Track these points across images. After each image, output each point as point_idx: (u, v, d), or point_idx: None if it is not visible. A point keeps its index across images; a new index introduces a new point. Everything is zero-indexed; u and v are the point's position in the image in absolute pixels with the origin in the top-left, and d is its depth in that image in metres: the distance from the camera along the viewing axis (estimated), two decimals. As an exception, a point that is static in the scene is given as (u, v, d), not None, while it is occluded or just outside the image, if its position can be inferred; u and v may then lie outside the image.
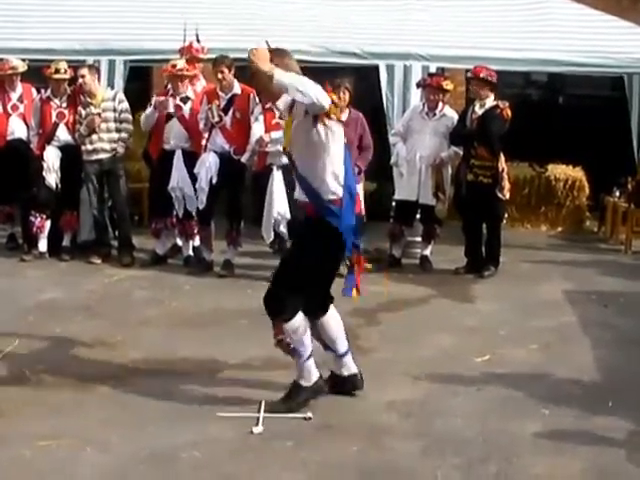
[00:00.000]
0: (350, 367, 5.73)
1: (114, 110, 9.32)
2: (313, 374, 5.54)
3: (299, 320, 5.39)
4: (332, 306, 5.63)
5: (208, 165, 8.75)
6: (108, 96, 9.37)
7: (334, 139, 5.24)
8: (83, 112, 9.25)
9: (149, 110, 9.12)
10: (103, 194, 9.55)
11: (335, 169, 5.26)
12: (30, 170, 9.43)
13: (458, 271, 9.24)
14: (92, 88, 9.27)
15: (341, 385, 5.72)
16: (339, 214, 5.24)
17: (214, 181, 8.75)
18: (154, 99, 9.20)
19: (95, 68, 9.56)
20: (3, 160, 9.59)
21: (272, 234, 8.67)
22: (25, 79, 9.88)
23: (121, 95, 9.46)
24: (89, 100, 9.28)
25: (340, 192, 5.26)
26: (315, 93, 4.99)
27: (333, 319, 5.65)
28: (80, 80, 9.23)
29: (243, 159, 8.81)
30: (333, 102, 5.14)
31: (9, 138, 9.71)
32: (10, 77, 9.67)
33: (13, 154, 9.57)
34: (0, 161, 9.61)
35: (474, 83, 9.13)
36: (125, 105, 9.40)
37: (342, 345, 5.69)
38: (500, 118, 8.83)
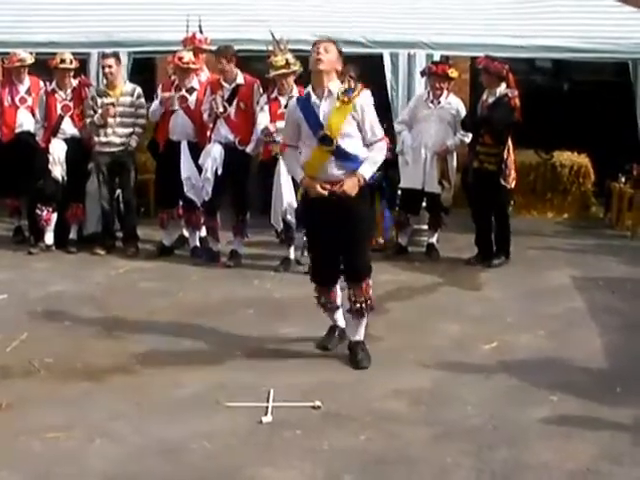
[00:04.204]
0: None
1: (131, 105, 9.34)
2: None
3: None
4: None
5: (213, 156, 8.75)
6: (127, 90, 9.37)
7: None
8: (99, 100, 9.25)
9: (156, 104, 9.13)
10: (113, 185, 9.57)
11: None
12: (38, 163, 9.43)
13: (470, 262, 9.18)
14: (115, 79, 9.30)
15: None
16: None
17: (219, 172, 8.75)
18: (159, 92, 9.20)
19: (119, 59, 9.54)
20: (12, 153, 9.60)
21: (281, 223, 8.67)
22: (31, 72, 9.87)
23: (139, 90, 9.43)
24: (106, 90, 9.29)
25: None
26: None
27: None
28: (106, 70, 9.23)
29: (248, 149, 8.81)
30: None
31: (17, 131, 9.72)
32: (18, 70, 9.69)
33: (22, 147, 9.58)
34: (9, 154, 9.62)
35: (481, 75, 9.09)
36: (142, 101, 9.42)
37: None
38: (507, 107, 8.79)
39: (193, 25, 9.41)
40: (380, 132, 6.05)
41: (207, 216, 9.09)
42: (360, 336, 6.23)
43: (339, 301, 6.40)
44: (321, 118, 5.88)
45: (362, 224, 6.05)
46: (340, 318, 6.47)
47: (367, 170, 5.92)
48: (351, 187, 5.85)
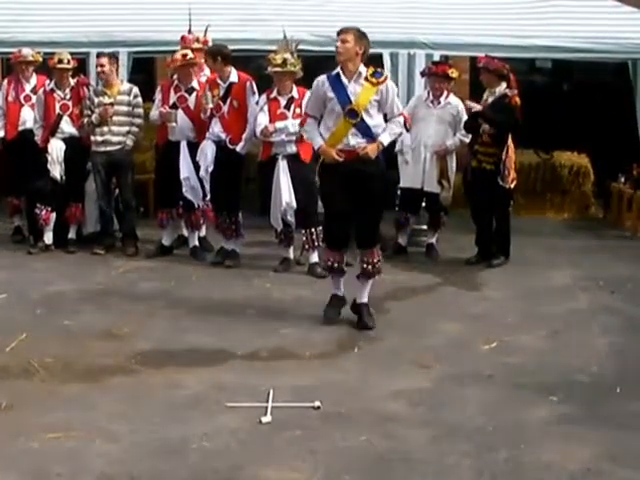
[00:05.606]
0: None
1: (128, 104, 9.32)
2: None
3: None
4: None
5: (205, 153, 8.75)
6: (124, 89, 9.35)
7: None
8: (96, 100, 9.24)
9: (156, 114, 9.11)
10: (110, 185, 9.55)
11: None
12: (37, 162, 9.41)
13: (470, 262, 9.17)
14: (110, 78, 9.28)
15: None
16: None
17: (210, 169, 8.74)
18: (158, 94, 9.20)
19: (115, 58, 9.54)
20: (16, 150, 9.60)
21: (281, 223, 8.65)
22: (38, 71, 9.86)
23: (136, 90, 9.39)
24: (104, 89, 9.29)
25: None
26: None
27: None
28: (98, 69, 9.23)
29: (238, 148, 8.75)
30: None
31: (21, 128, 9.71)
32: (21, 67, 9.69)
33: (25, 144, 9.56)
34: (12, 151, 9.62)
35: (481, 73, 9.07)
36: (139, 100, 9.39)
37: None
38: (508, 108, 8.77)
39: (195, 24, 9.40)
40: (400, 109, 7.06)
41: (216, 213, 9.03)
42: (365, 299, 7.06)
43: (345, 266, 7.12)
44: (350, 95, 6.76)
45: (378, 197, 6.97)
46: (342, 287, 7.16)
47: (386, 138, 6.90)
48: (372, 150, 6.77)
